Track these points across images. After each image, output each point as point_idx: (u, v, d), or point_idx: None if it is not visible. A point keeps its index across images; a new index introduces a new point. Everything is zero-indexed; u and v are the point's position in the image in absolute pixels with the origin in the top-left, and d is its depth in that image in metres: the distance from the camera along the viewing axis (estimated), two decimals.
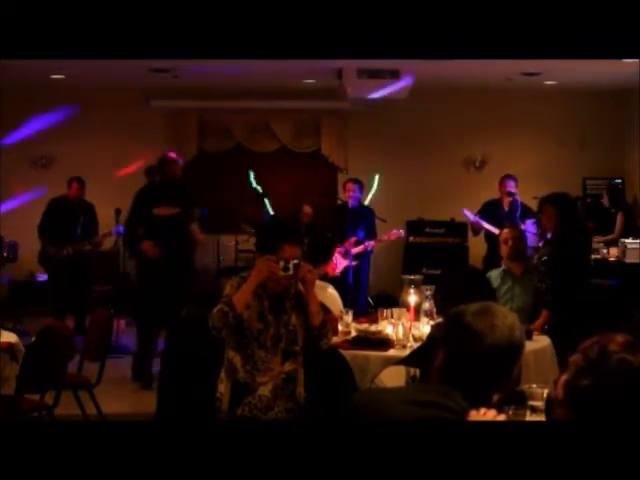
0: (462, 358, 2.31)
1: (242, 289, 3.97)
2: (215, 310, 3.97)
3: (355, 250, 8.57)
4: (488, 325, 2.29)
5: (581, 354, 2.03)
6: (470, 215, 8.76)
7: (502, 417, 2.35)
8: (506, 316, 2.34)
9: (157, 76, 9.48)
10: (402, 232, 9.30)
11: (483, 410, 2.26)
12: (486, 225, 8.51)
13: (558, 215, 6.11)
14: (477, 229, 8.80)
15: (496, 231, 7.79)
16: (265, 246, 4.06)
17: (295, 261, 3.94)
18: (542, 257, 6.23)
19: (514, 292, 5.90)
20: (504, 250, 6.05)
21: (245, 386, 4.01)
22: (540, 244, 6.90)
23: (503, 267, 6.05)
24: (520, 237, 6.16)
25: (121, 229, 8.25)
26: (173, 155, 7.72)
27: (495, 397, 2.33)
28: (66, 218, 8.92)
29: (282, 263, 3.92)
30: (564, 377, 2.04)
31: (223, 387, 4.07)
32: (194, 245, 7.45)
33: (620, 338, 2.07)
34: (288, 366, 4.06)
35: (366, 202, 9.60)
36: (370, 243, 8.83)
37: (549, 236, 6.40)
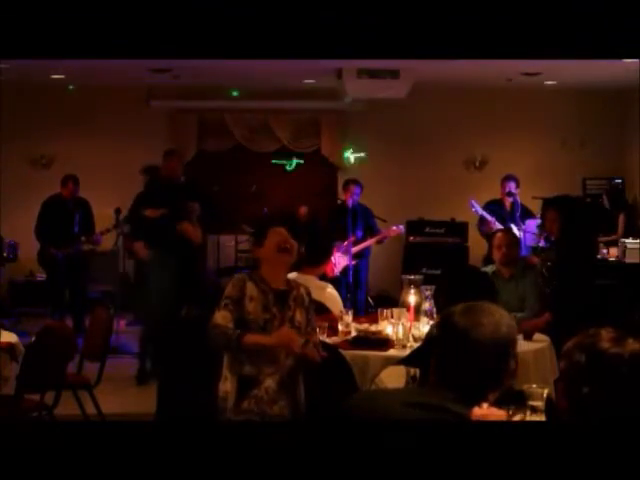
0: (450, 357, 2.32)
1: (258, 340, 3.98)
2: (219, 327, 3.98)
3: (356, 248, 8.58)
4: (472, 323, 2.30)
5: (568, 360, 2.03)
6: (478, 208, 8.75)
7: (503, 413, 2.36)
8: (493, 313, 2.34)
9: (157, 76, 9.48)
10: (402, 227, 9.30)
11: (486, 405, 2.26)
12: (490, 218, 8.52)
13: (561, 219, 6.08)
14: (486, 230, 8.75)
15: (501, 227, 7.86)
16: (258, 237, 4.20)
17: (312, 341, 4.05)
18: (546, 261, 6.22)
19: (502, 294, 5.89)
20: (496, 254, 6.04)
21: (251, 379, 4.02)
22: (540, 244, 6.89)
23: (494, 268, 6.06)
24: (513, 243, 6.13)
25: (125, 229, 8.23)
26: (171, 149, 7.67)
27: (491, 396, 2.33)
28: (62, 217, 8.89)
29: (302, 341, 4.01)
30: (561, 386, 2.04)
31: (228, 385, 4.07)
32: (191, 245, 7.29)
33: (605, 334, 2.07)
34: (291, 361, 4.08)
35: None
36: (372, 240, 8.84)
37: (552, 238, 6.37)
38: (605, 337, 2.05)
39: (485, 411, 2.24)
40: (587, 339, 2.06)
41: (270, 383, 4.00)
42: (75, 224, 8.89)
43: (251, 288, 4.07)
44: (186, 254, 7.20)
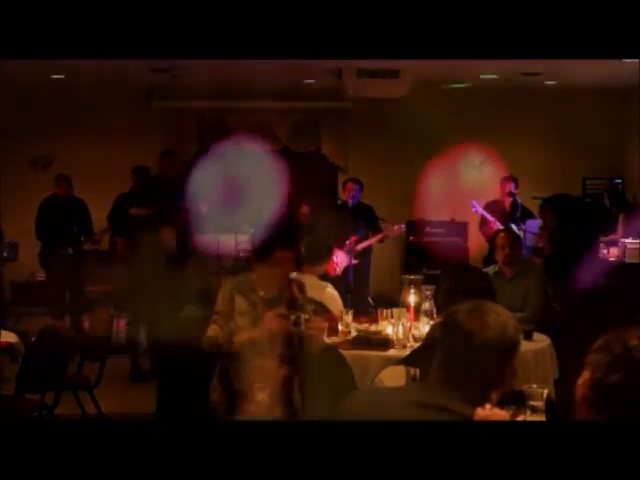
0: (455, 357, 2.31)
1: (249, 336, 3.97)
2: (210, 337, 3.98)
3: (357, 247, 8.58)
4: (479, 324, 2.29)
5: (604, 352, 2.01)
6: (478, 208, 8.77)
7: (505, 414, 2.35)
8: (499, 314, 2.33)
9: (157, 76, 9.48)
10: (403, 227, 9.31)
11: (489, 406, 2.26)
12: (490, 218, 8.54)
13: (557, 218, 6.09)
14: (486, 230, 8.77)
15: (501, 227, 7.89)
16: (260, 253, 4.12)
17: (306, 316, 3.99)
18: (546, 262, 6.22)
19: (504, 294, 5.91)
20: (499, 254, 6.07)
21: (242, 393, 4.00)
22: (540, 244, 6.89)
23: (496, 268, 6.07)
24: (516, 243, 6.17)
25: None
26: (166, 150, 7.68)
27: (494, 396, 2.33)
28: (60, 217, 8.90)
29: (293, 318, 3.97)
30: (587, 377, 2.02)
31: (217, 395, 4.06)
32: (168, 248, 7.22)
33: (636, 332, 2.06)
34: (284, 370, 4.06)
35: None
36: (373, 239, 8.85)
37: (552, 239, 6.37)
38: (637, 335, 2.04)
39: (488, 412, 2.24)
40: (621, 334, 2.05)
41: (261, 397, 3.98)
42: (74, 224, 8.89)
43: (240, 302, 4.04)
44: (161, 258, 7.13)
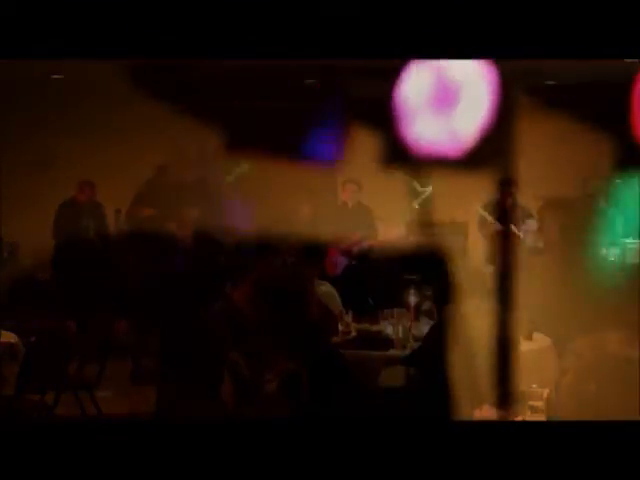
0: (455, 357, 2.32)
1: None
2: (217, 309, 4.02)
3: (354, 248, 8.58)
4: (479, 325, 2.30)
5: (578, 356, 2.02)
6: (478, 208, 8.80)
7: (505, 415, 2.36)
8: (497, 316, 2.35)
9: (158, 75, 9.47)
10: (401, 229, 9.31)
11: (486, 407, 2.27)
12: (490, 218, 8.56)
13: (558, 219, 6.11)
14: (486, 231, 8.80)
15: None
16: (262, 247, 4.19)
17: (291, 259, 4.02)
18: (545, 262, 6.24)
19: None
20: (500, 255, 6.09)
21: (250, 385, 4.02)
22: (540, 244, 6.90)
23: None
24: (516, 243, 6.20)
25: None
26: (173, 149, 7.67)
27: (492, 396, 2.34)
28: (79, 222, 8.93)
29: (279, 261, 4.00)
30: (566, 382, 2.03)
31: (227, 388, 4.07)
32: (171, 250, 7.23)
33: (614, 335, 2.07)
34: (293, 363, 4.07)
35: None
36: (372, 239, 8.86)
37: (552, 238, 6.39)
38: (615, 339, 2.05)
39: (487, 412, 2.25)
40: (598, 338, 2.06)
41: (270, 389, 3.99)
42: (90, 229, 8.93)
43: None
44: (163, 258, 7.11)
